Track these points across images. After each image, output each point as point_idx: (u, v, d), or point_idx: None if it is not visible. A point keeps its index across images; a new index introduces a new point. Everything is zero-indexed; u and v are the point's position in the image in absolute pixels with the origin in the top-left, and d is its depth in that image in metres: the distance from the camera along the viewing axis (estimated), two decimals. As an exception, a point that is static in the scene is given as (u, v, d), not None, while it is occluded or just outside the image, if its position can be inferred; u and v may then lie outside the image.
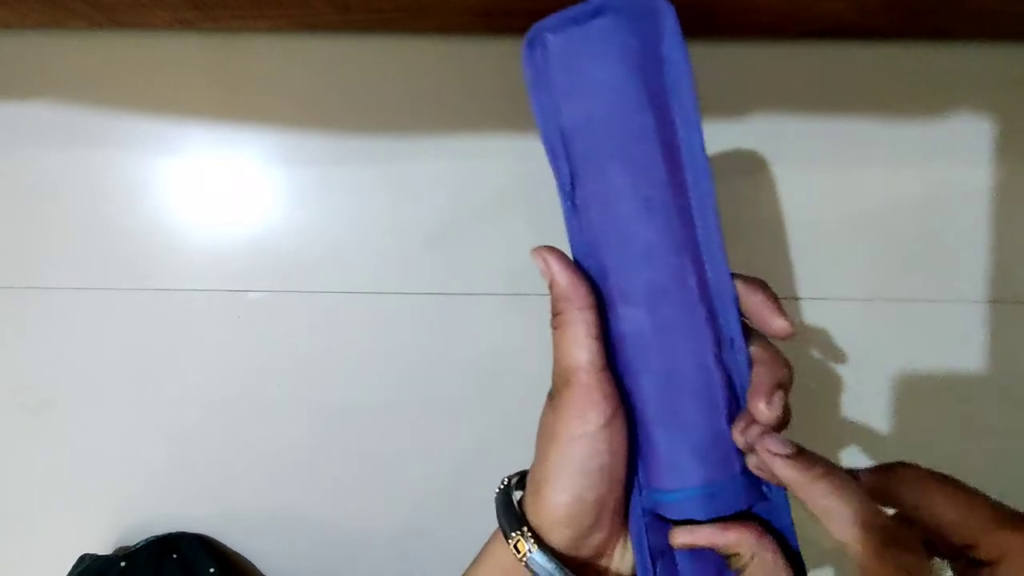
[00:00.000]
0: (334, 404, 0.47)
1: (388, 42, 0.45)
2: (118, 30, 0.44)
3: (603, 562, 0.30)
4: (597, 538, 0.29)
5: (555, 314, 0.29)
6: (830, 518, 0.24)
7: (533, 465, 0.30)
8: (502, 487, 0.32)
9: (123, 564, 0.44)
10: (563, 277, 0.28)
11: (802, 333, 0.46)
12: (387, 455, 0.48)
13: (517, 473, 0.33)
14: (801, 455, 0.26)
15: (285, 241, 0.46)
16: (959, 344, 0.46)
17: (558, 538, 0.29)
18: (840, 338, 0.46)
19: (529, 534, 0.28)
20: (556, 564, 0.28)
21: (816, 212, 0.46)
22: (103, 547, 0.47)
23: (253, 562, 0.49)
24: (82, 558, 0.46)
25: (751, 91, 0.45)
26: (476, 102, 0.45)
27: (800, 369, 0.47)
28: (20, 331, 0.46)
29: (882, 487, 0.28)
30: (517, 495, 0.31)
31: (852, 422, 0.47)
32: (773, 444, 0.26)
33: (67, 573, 0.45)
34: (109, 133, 0.45)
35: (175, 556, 0.45)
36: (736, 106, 0.45)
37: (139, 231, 0.46)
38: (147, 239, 0.46)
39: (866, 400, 0.47)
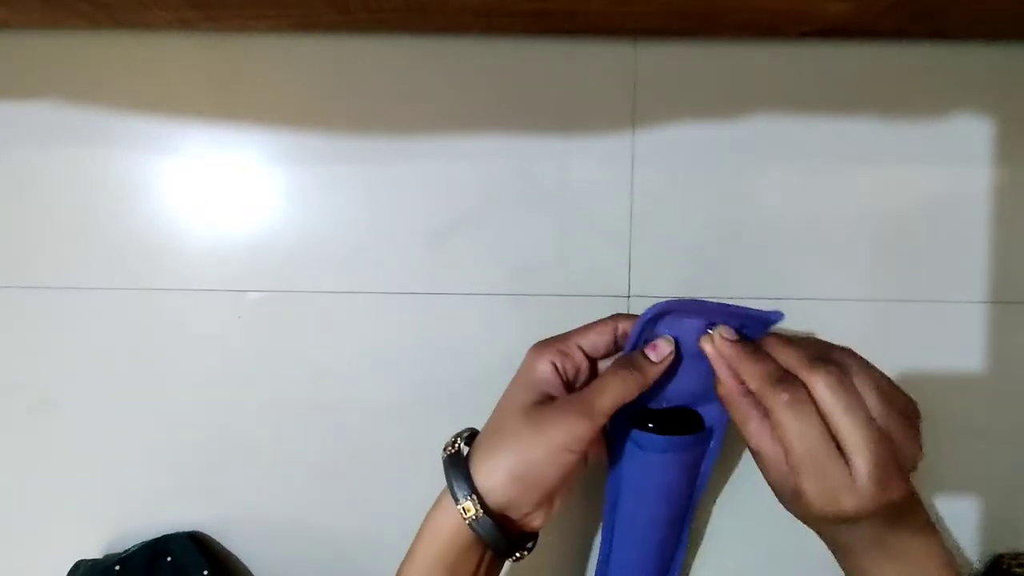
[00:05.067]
0: (333, 404, 0.47)
1: (388, 42, 0.45)
2: (119, 30, 0.44)
3: (526, 521, 0.36)
4: (527, 511, 0.35)
5: (631, 366, 0.35)
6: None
7: (498, 437, 0.35)
8: (453, 450, 0.36)
9: (117, 568, 0.44)
10: (664, 365, 0.36)
11: (803, 333, 0.46)
12: (387, 455, 0.48)
13: (467, 431, 0.37)
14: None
15: (285, 241, 0.46)
16: (959, 344, 0.46)
17: (496, 505, 0.34)
18: (840, 338, 0.46)
19: (477, 499, 0.34)
20: (495, 526, 0.34)
21: (816, 212, 0.46)
22: (100, 548, 0.47)
23: (248, 565, 0.49)
24: (77, 565, 0.46)
25: (751, 91, 0.45)
26: (476, 102, 0.45)
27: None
28: (20, 331, 0.46)
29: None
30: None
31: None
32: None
33: (63, 578, 0.45)
34: (109, 133, 0.45)
35: (168, 559, 0.45)
36: (736, 106, 0.45)
37: (139, 231, 0.46)
38: (147, 239, 0.46)
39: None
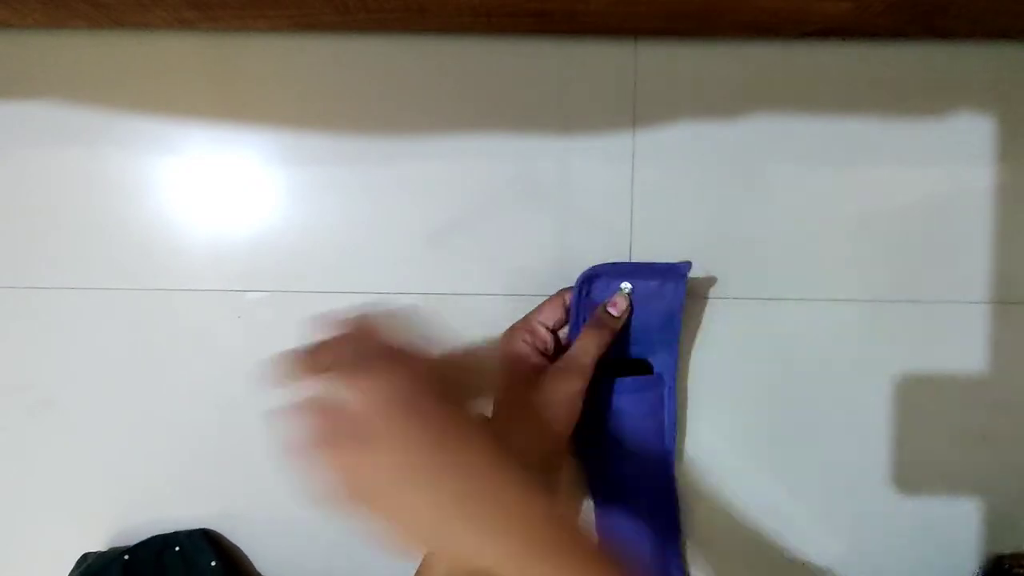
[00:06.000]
0: (334, 404, 0.47)
1: (388, 42, 0.45)
2: (118, 30, 0.44)
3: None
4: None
5: (600, 324, 0.41)
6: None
7: (513, 407, 0.40)
8: None
9: (126, 558, 0.44)
10: (624, 317, 0.43)
11: (803, 333, 0.46)
12: (387, 455, 0.48)
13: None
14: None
15: (285, 241, 0.46)
16: (959, 344, 0.46)
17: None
18: (840, 339, 0.46)
19: None
20: None
21: (816, 212, 0.46)
22: (102, 547, 0.47)
23: (252, 561, 0.49)
24: (84, 556, 0.46)
25: (751, 91, 0.45)
26: (476, 102, 0.45)
27: (801, 369, 0.47)
28: (20, 331, 0.46)
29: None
30: None
31: (852, 422, 0.47)
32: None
33: (69, 572, 0.45)
34: (109, 133, 0.45)
35: (177, 549, 0.45)
36: (736, 106, 0.45)
37: (139, 231, 0.46)
38: (147, 239, 0.46)
39: (866, 400, 0.47)
